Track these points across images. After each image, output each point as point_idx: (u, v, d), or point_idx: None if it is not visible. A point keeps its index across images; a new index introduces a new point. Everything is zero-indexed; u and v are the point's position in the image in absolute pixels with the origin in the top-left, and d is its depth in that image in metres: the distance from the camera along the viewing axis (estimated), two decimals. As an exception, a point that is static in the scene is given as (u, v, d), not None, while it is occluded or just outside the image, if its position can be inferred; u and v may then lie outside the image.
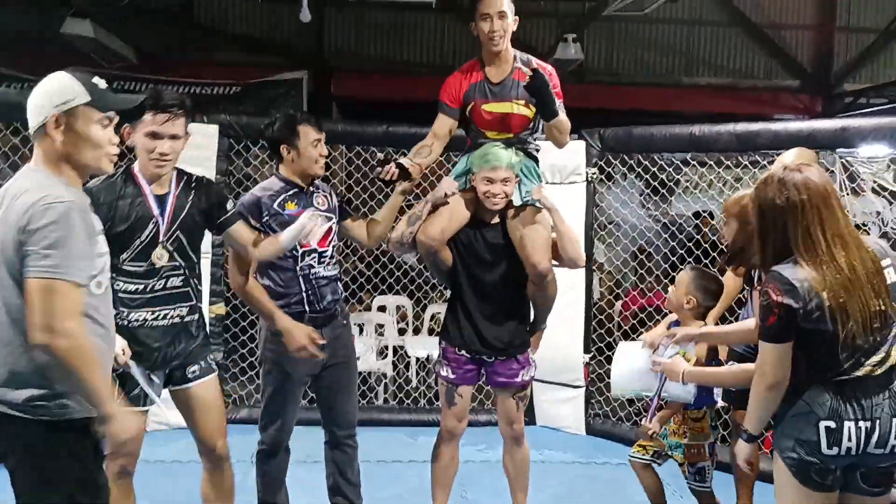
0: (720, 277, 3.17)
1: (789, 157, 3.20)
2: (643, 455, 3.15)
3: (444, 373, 3.08)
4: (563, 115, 3.03)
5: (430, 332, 5.85)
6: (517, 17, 3.05)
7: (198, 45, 8.91)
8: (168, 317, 2.59)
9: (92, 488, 1.96)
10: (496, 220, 3.01)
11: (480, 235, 3.00)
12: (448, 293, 3.19)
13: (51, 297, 1.78)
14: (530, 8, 8.80)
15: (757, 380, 2.19)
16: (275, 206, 2.90)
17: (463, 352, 3.03)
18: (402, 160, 2.93)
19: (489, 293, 3.00)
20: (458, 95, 3.08)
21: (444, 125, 3.11)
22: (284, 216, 2.88)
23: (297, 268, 2.91)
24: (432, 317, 5.90)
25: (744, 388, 2.33)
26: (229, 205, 2.73)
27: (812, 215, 2.10)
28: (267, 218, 2.89)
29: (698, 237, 5.09)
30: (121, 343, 2.45)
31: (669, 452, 3.09)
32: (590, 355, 4.87)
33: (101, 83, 2.01)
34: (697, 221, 6.19)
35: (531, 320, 3.19)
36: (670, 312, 3.24)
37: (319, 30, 9.04)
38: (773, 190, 2.15)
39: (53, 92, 1.96)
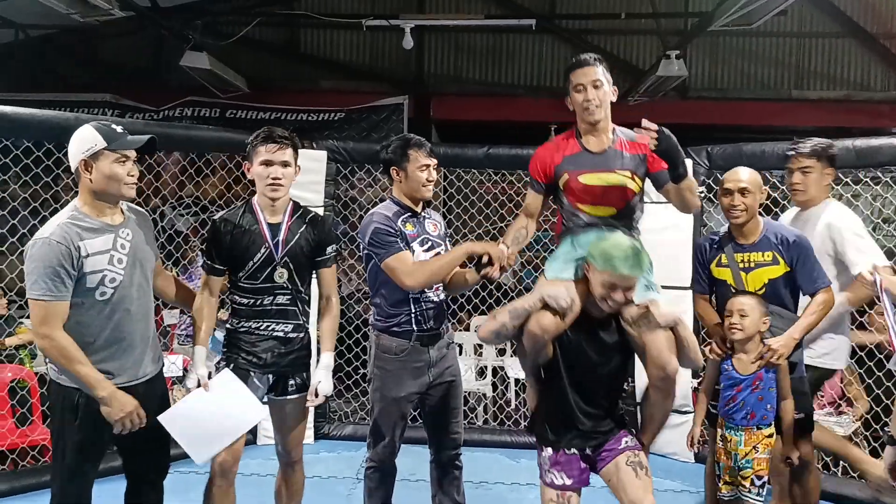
0: None
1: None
2: (731, 491, 3.10)
3: (558, 481, 2.65)
4: (691, 174, 2.78)
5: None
6: (615, 87, 2.84)
7: (304, 73, 9.28)
8: (270, 329, 2.85)
9: (61, 442, 2.51)
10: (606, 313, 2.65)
11: (591, 334, 2.64)
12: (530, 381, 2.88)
13: (33, 311, 2.40)
14: (632, 26, 8.72)
15: None
16: (399, 222, 2.98)
17: (573, 450, 2.69)
18: (501, 250, 2.81)
19: (593, 392, 2.69)
20: (548, 170, 2.86)
21: (534, 202, 2.97)
22: (405, 234, 2.98)
23: (410, 292, 2.97)
24: (532, 338, 5.86)
25: None
26: (330, 248, 2.95)
27: None
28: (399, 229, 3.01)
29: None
30: (198, 373, 2.74)
31: (741, 473, 3.07)
32: (698, 380, 4.71)
33: (118, 129, 2.52)
34: None
35: (641, 427, 2.82)
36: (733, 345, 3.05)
37: (420, 55, 9.24)
38: None
39: (80, 142, 2.49)
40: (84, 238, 2.44)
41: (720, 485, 3.14)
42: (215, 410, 2.70)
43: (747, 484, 3.04)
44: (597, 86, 2.77)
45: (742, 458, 3.05)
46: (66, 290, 2.40)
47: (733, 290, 3.10)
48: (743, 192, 3.05)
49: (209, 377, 2.78)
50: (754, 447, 3.04)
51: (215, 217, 2.89)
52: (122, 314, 2.52)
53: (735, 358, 3.08)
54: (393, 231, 2.92)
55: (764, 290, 3.05)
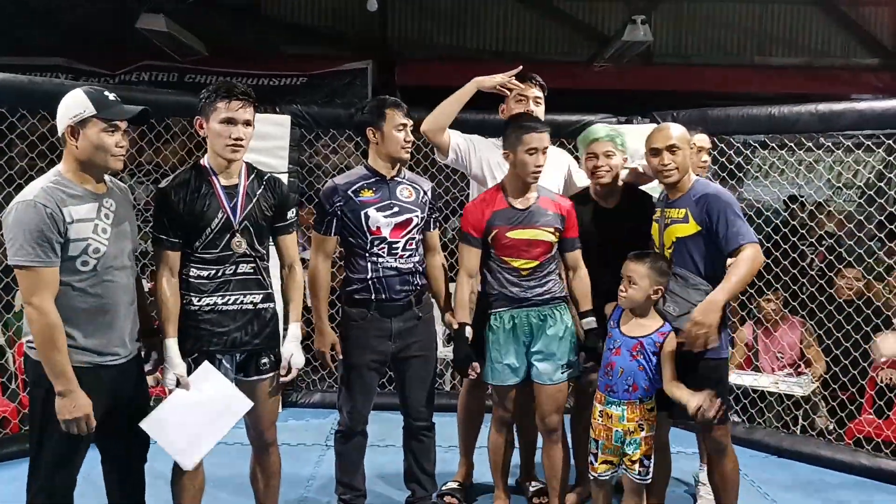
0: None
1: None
2: (611, 471, 2.94)
3: None
4: None
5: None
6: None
7: (265, 37, 9.06)
8: (238, 302, 2.66)
9: (50, 426, 2.34)
10: None
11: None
12: None
13: (22, 281, 2.27)
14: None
15: None
16: (349, 191, 2.96)
17: None
18: (468, 331, 3.13)
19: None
20: (480, 225, 3.07)
21: (473, 259, 3.12)
22: (356, 202, 2.95)
23: (367, 254, 2.96)
24: (499, 304, 5.89)
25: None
26: (291, 213, 2.80)
27: None
28: (340, 203, 2.95)
29: (794, 223, 4.82)
30: (175, 372, 2.57)
31: (625, 452, 2.88)
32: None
33: (110, 96, 2.38)
34: (793, 206, 5.62)
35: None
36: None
37: (383, 19, 9.09)
38: None
39: (69, 107, 2.36)
40: (68, 204, 2.31)
41: (596, 464, 2.94)
42: (200, 410, 2.53)
43: (636, 467, 2.86)
44: (545, 152, 3.02)
45: (627, 436, 2.85)
46: (55, 256, 2.26)
47: (655, 247, 3.01)
48: (672, 149, 2.86)
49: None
50: (639, 425, 2.84)
51: (162, 185, 2.65)
52: (106, 287, 2.39)
53: (624, 317, 2.90)
54: (332, 189, 2.96)
55: (672, 248, 2.91)
